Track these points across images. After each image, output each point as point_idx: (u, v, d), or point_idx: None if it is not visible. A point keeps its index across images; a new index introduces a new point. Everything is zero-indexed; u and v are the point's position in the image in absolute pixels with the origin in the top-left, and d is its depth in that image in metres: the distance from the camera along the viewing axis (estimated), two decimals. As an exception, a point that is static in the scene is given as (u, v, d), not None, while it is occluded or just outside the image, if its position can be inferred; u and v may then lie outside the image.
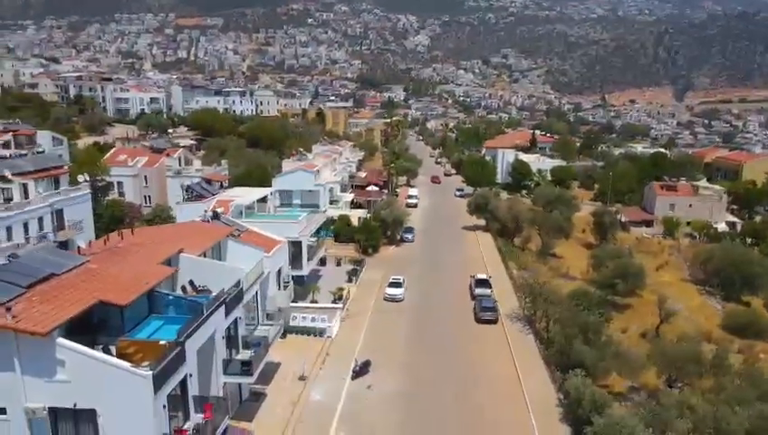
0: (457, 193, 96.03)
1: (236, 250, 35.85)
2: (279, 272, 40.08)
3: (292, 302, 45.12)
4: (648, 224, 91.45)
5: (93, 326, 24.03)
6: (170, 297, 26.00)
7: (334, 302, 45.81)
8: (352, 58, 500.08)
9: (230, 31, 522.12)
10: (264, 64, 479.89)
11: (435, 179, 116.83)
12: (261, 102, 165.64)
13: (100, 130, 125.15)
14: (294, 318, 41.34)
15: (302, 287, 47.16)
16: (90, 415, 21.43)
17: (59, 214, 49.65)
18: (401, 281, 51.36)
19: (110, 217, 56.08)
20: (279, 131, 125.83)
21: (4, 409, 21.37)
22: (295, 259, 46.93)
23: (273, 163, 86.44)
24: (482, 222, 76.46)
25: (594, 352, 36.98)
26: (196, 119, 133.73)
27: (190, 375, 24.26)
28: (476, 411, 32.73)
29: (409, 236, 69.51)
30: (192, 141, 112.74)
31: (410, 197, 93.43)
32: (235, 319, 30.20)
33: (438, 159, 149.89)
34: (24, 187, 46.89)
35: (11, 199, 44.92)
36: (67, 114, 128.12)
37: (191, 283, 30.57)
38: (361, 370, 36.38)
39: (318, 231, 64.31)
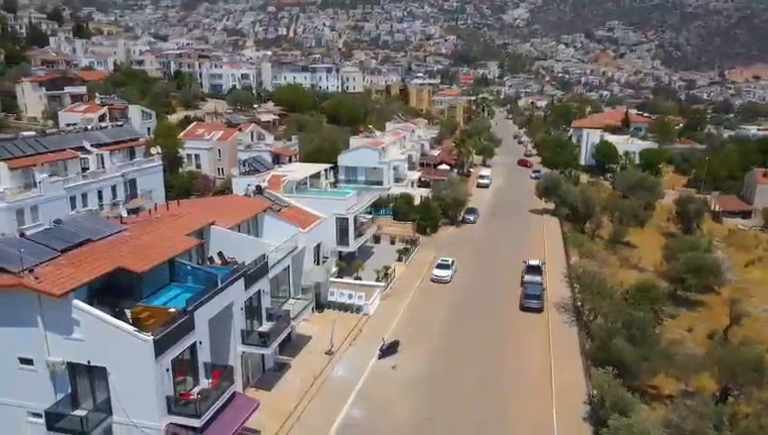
0: (533, 175, 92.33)
1: (272, 225, 36.92)
2: (318, 247, 40.77)
3: (338, 277, 45.99)
4: (746, 215, 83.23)
5: (118, 290, 25.79)
6: (188, 267, 27.30)
7: (377, 280, 46.04)
8: (447, 33, 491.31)
9: (328, 7, 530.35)
10: (360, 41, 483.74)
11: (523, 162, 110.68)
12: (347, 79, 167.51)
13: (194, 105, 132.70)
14: (332, 293, 42.08)
15: (349, 264, 47.81)
16: (101, 372, 23.24)
17: (132, 183, 53.51)
18: (449, 263, 50.57)
19: (180, 188, 59.57)
20: (359, 108, 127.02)
21: (31, 360, 23.67)
22: (343, 236, 47.61)
23: (346, 139, 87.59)
24: (551, 206, 73.17)
25: (637, 350, 34.61)
26: (281, 94, 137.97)
27: (200, 342, 25.49)
28: (497, 401, 31.85)
29: (471, 218, 68.05)
30: (274, 116, 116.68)
31: (482, 177, 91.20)
32: (258, 291, 31.25)
33: (521, 139, 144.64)
34: (101, 157, 50.86)
35: (87, 169, 48.91)
36: (166, 89, 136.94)
37: (220, 254, 31.96)
38: (389, 349, 36.46)
39: (377, 209, 64.86)
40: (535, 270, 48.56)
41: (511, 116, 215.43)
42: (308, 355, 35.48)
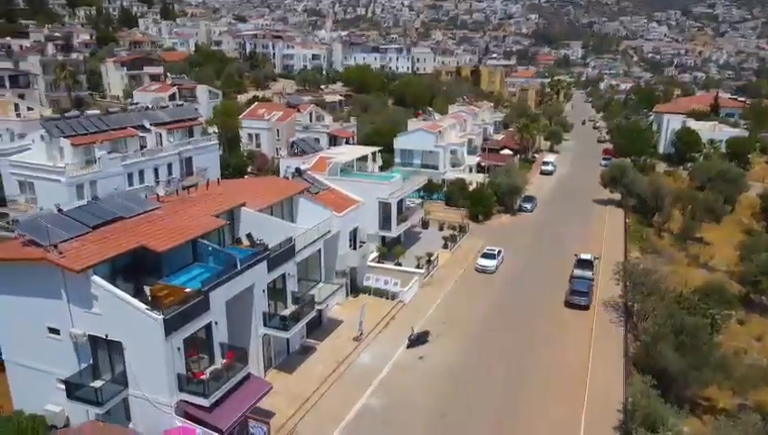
0: (603, 163, 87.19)
1: (307, 208, 36.85)
2: (354, 232, 40.42)
3: (378, 262, 45.62)
4: None
5: (142, 267, 26.57)
6: (210, 248, 27.67)
7: (418, 266, 45.20)
8: (529, 12, 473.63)
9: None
10: (438, 20, 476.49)
11: (608, 152, 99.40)
12: (417, 60, 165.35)
13: (265, 85, 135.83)
14: (368, 279, 41.73)
15: (390, 249, 47.26)
16: (118, 346, 24.11)
17: (188, 161, 55.39)
18: (495, 253, 48.80)
19: (236, 167, 61.05)
20: (426, 90, 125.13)
21: (58, 330, 24.93)
22: (385, 220, 47.04)
23: (407, 122, 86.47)
24: (618, 196, 68.96)
25: (686, 358, 31.87)
26: (350, 75, 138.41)
27: (216, 323, 25.87)
28: (523, 402, 30.41)
29: (528, 206, 65.39)
30: (340, 97, 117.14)
31: (546, 163, 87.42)
32: (284, 274, 31.37)
33: (596, 124, 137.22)
34: (159, 136, 52.87)
35: (145, 147, 51.00)
36: (240, 69, 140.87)
37: (249, 235, 32.25)
38: (418, 339, 35.70)
39: (430, 193, 63.74)
40: (586, 265, 45.91)
41: (590, 99, 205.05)
42: (336, 340, 35.40)
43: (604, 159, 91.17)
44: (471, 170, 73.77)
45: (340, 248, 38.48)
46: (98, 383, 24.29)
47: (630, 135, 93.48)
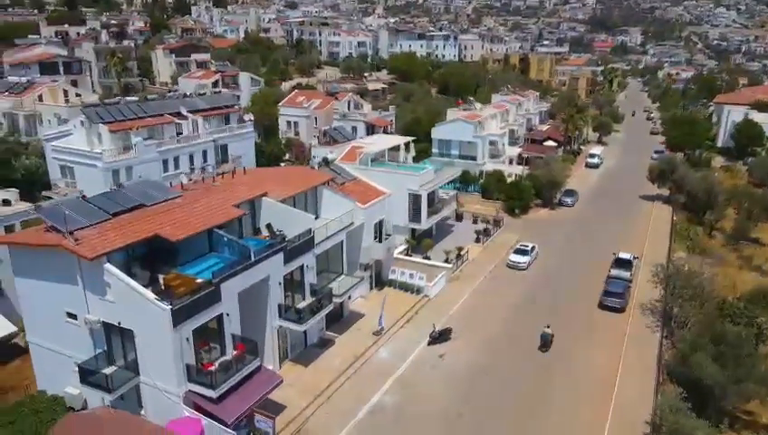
0: (655, 156, 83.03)
1: (330, 199, 36.36)
2: (380, 224, 39.69)
3: (407, 255, 44.83)
4: None
5: (159, 256, 26.71)
6: (225, 239, 27.52)
7: (446, 261, 44.12)
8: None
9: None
10: (490, 6, 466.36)
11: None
12: (465, 47, 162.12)
13: (310, 72, 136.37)
14: (393, 272, 41.01)
15: (420, 242, 46.34)
16: (130, 334, 24.31)
17: (223, 148, 55.87)
18: (529, 249, 47.12)
19: (271, 154, 61.26)
20: (470, 78, 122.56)
21: (75, 315, 25.37)
22: (415, 212, 46.10)
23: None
24: (666, 192, 65.51)
25: (725, 370, 29.73)
26: (395, 63, 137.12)
27: (227, 314, 25.76)
28: (543, 406, 29.12)
29: (569, 200, 62.94)
30: (383, 85, 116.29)
31: (592, 156, 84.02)
32: (301, 266, 31.01)
33: (650, 115, 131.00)
34: (195, 123, 53.45)
35: (181, 133, 51.66)
36: (286, 57, 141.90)
37: (268, 226, 31.98)
38: (440, 336, 34.79)
39: (466, 185, 62.30)
40: (624, 264, 43.68)
41: (646, 89, 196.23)
42: (356, 333, 34.92)
43: (656, 152, 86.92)
44: (511, 162, 71.65)
45: (364, 241, 37.85)
46: (110, 370, 24.65)
47: (685, 127, 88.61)
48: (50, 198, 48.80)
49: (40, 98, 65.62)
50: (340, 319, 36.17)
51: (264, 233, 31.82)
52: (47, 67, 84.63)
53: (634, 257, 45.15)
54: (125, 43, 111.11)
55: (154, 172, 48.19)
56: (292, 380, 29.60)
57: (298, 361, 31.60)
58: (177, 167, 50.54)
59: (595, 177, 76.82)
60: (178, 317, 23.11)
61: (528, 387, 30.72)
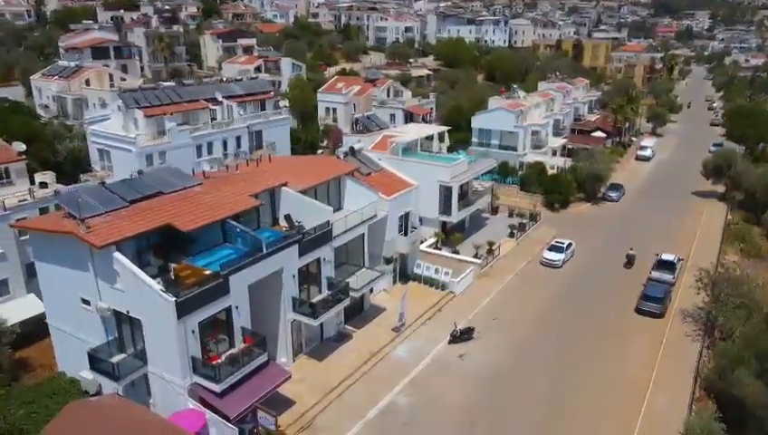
0: (713, 149, 78.12)
1: (354, 190, 35.49)
2: (405, 216, 38.57)
3: (436, 249, 43.61)
4: None
5: (174, 245, 26.54)
6: (238, 230, 27.09)
7: (476, 256, 42.60)
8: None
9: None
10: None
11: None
12: (515, 32, 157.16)
13: (356, 58, 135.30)
14: (418, 266, 39.88)
15: (449, 235, 44.98)
16: (138, 323, 24.28)
17: (257, 134, 55.72)
18: (564, 245, 44.97)
19: (306, 141, 60.84)
20: (519, 65, 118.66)
21: (89, 301, 25.55)
22: (446, 205, 44.70)
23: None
24: (721, 189, 61.38)
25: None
26: (442, 48, 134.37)
27: (236, 307, 25.38)
28: (567, 418, 27.53)
29: (613, 195, 59.89)
30: (428, 71, 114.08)
31: (643, 148, 79.77)
32: (318, 259, 30.34)
33: (712, 105, 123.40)
34: (230, 108, 53.45)
35: (215, 119, 51.77)
36: (332, 42, 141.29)
37: (287, 217, 31.48)
38: (462, 335, 33.55)
39: (504, 176, 60.23)
40: (667, 266, 41.03)
41: (711, 76, 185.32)
42: (375, 329, 34.11)
43: (714, 145, 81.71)
44: (555, 153, 68.80)
45: (387, 233, 36.86)
46: (118, 358, 24.74)
47: (748, 118, 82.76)
48: (88, 181, 49.98)
49: (87, 82, 67.34)
50: (360, 313, 35.46)
51: (283, 224, 31.35)
52: (99, 52, 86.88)
53: (678, 259, 42.35)
54: (175, 28, 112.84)
55: (187, 158, 48.48)
56: (304, 375, 29.13)
57: (312, 355, 31.08)
58: (210, 152, 50.71)
59: (645, 170, 72.91)
60: (183, 310, 22.85)
61: (550, 394, 29.16)
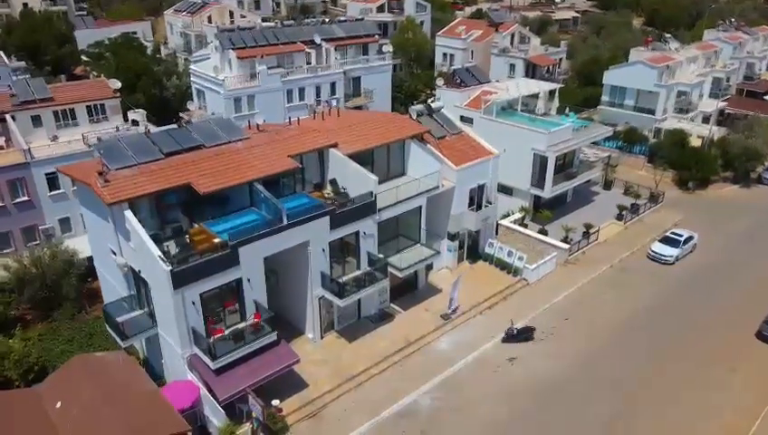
0: None
1: (417, 155, 31.56)
2: (479, 189, 33.85)
3: (520, 225, 38.48)
4: None
5: (201, 204, 25.21)
6: (263, 195, 24.92)
7: (565, 239, 36.72)
8: None
9: None
10: None
11: None
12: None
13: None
14: (491, 246, 35.24)
15: (537, 212, 39.35)
16: (147, 284, 23.54)
17: (355, 81, 53.04)
18: (683, 238, 37.18)
19: (407, 91, 56.85)
20: (688, 7, 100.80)
21: (114, 252, 25.32)
22: (540, 177, 38.89)
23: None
24: None
25: None
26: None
27: (248, 280, 23.63)
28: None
29: (772, 178, 48.69)
30: (575, 14, 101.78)
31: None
32: (356, 232, 27.43)
33: None
34: (327, 52, 50.98)
35: (309, 63, 49.69)
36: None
37: (333, 182, 28.87)
38: (518, 334, 29.08)
39: (631, 145, 51.87)
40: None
41: None
42: (422, 313, 30.79)
43: None
44: (706, 120, 57.43)
45: (454, 207, 32.66)
46: (128, 316, 24.43)
47: None
48: (182, 118, 51.19)
49: (209, 19, 68.75)
50: (412, 291, 32.29)
51: (328, 189, 28.74)
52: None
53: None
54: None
55: (277, 103, 47.55)
56: (327, 355, 27.10)
57: (344, 334, 28.77)
58: (301, 98, 49.22)
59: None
60: (180, 280, 21.52)
61: (613, 424, 24.06)
